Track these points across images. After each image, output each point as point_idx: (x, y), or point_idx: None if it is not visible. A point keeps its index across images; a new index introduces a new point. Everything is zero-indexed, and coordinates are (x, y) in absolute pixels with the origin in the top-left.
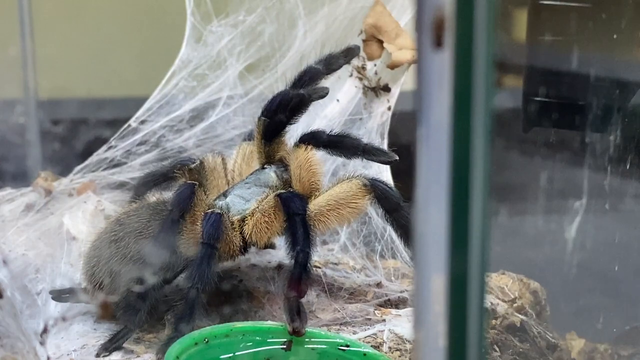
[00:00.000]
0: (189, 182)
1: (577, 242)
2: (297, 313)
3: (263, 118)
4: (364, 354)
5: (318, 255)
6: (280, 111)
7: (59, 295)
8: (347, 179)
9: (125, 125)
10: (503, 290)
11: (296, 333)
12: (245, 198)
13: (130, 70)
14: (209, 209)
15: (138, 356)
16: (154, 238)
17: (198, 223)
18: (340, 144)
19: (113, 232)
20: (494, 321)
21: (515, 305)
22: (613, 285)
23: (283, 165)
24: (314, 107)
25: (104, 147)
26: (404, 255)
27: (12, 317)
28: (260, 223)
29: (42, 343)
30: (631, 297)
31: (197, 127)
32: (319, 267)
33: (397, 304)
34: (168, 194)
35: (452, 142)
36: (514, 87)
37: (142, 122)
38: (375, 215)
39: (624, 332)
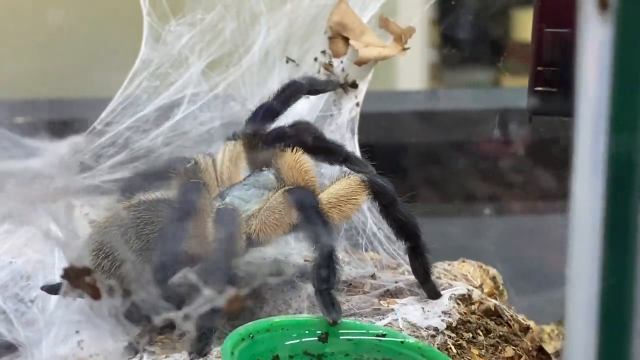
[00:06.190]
0: (195, 180)
1: None
2: (331, 305)
3: (247, 131)
4: (402, 342)
5: (307, 251)
6: (265, 122)
7: (52, 289)
8: (345, 176)
9: (90, 128)
10: (466, 277)
11: (334, 323)
12: (244, 200)
13: (88, 72)
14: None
15: (167, 356)
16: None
17: (201, 222)
18: (325, 150)
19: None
20: (473, 306)
21: (484, 291)
22: None
23: (275, 168)
24: None
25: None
26: (386, 247)
27: None
28: (269, 220)
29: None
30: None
31: (164, 125)
32: (309, 262)
33: (396, 294)
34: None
35: (612, 129)
36: None
37: (107, 124)
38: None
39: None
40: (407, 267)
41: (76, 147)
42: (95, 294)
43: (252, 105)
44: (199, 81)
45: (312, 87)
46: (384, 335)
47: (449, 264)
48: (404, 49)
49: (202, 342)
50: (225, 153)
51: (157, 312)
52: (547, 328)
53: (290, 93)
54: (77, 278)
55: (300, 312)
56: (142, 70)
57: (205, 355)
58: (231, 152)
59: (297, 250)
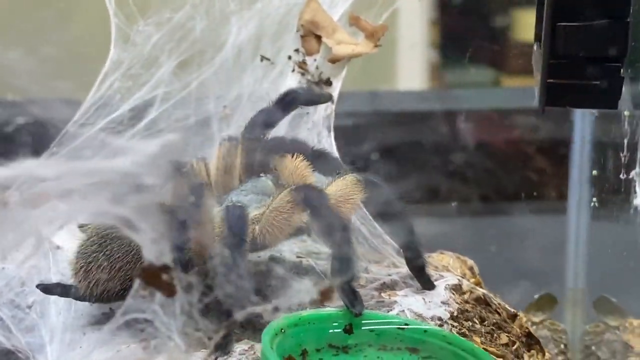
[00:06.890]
0: (199, 182)
1: None
2: (353, 297)
3: (247, 135)
4: (425, 331)
5: (298, 247)
6: (265, 127)
7: (48, 289)
8: (341, 177)
9: (64, 131)
10: (447, 268)
11: (358, 315)
12: (244, 204)
13: (60, 73)
14: None
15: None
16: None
17: (205, 223)
18: (322, 159)
19: None
20: (465, 296)
21: (470, 281)
22: None
23: (273, 174)
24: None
25: (46, 154)
26: (371, 241)
27: None
28: (276, 221)
29: None
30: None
31: (139, 124)
32: (302, 257)
33: (392, 286)
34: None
35: None
36: None
37: (81, 125)
38: None
39: (534, 300)
40: (392, 259)
41: (169, 145)
42: (171, 292)
43: (227, 102)
44: (171, 80)
45: (308, 98)
46: (406, 325)
47: (428, 256)
48: (377, 46)
49: (226, 340)
50: (219, 155)
51: (242, 307)
52: None
53: (289, 101)
54: (153, 276)
55: (305, 308)
56: (113, 71)
57: (229, 353)
58: (225, 155)
59: (288, 248)
